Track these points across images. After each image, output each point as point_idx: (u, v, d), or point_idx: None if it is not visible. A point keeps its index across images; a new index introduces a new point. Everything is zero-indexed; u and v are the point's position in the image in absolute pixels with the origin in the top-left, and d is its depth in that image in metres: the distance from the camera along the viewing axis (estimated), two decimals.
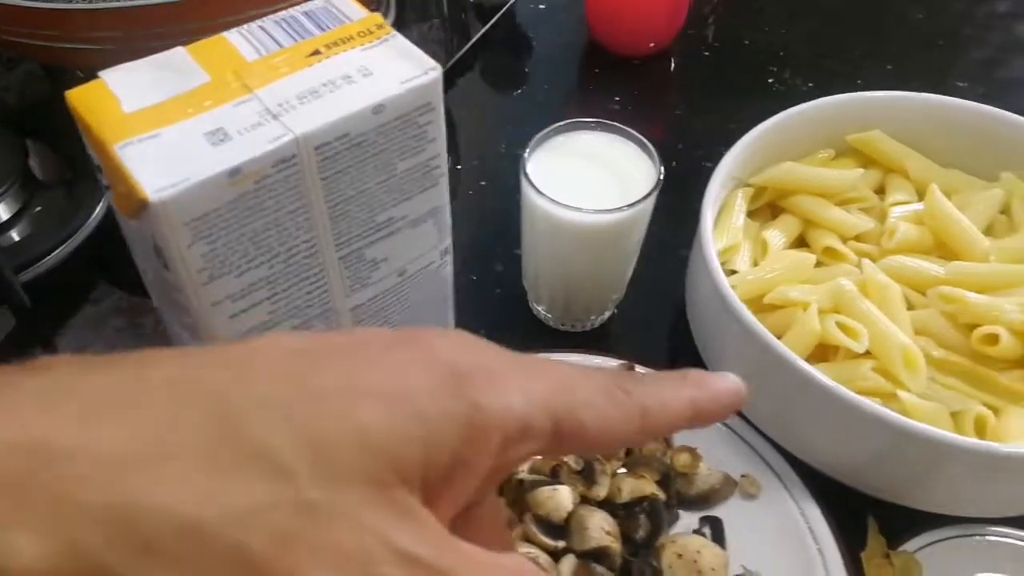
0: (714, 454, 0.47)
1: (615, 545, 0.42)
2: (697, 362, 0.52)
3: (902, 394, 0.44)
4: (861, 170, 0.56)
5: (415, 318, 0.45)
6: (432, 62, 0.36)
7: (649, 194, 0.47)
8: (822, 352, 0.48)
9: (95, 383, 0.17)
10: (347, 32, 0.37)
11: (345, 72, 0.35)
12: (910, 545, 0.44)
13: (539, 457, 0.46)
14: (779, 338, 0.48)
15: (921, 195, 0.55)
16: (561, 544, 0.43)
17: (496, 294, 0.59)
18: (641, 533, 0.43)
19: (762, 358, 0.44)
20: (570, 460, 0.46)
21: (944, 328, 0.47)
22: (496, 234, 0.62)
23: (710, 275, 0.47)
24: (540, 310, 0.56)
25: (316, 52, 0.36)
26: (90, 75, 0.34)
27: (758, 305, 0.50)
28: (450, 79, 0.76)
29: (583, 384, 0.20)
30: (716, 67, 0.79)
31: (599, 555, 0.42)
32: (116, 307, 0.57)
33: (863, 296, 0.47)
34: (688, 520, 0.46)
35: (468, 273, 0.61)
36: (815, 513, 0.44)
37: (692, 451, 0.47)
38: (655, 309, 0.59)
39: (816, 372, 0.42)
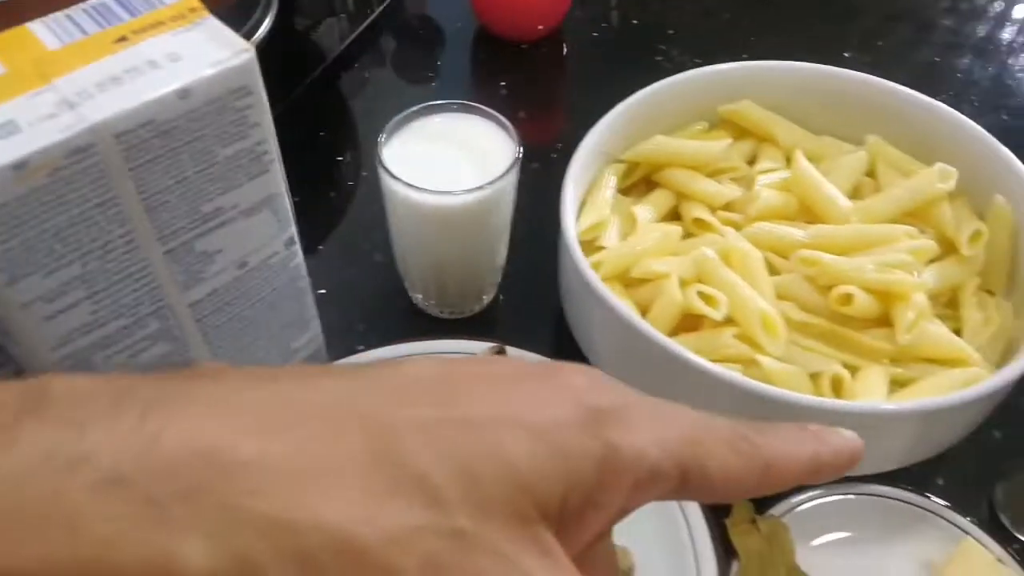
0: None
1: None
2: (576, 345, 0.52)
3: (761, 359, 0.44)
4: (728, 140, 0.56)
5: (270, 312, 0.44)
6: (244, 44, 0.35)
7: (506, 172, 0.47)
8: (692, 323, 0.48)
9: (263, 397, 0.18)
10: (158, 17, 0.36)
11: (150, 58, 0.34)
12: (776, 509, 0.44)
13: None
14: (647, 312, 0.48)
15: (790, 162, 0.55)
16: None
17: (375, 285, 0.58)
18: None
19: (624, 333, 0.44)
20: None
21: (806, 291, 0.47)
22: (375, 224, 0.61)
23: (569, 252, 0.46)
24: (418, 298, 0.55)
25: (122, 39, 0.35)
26: None
27: (627, 280, 0.50)
28: (340, 67, 0.74)
29: (710, 433, 0.20)
30: (605, 47, 0.79)
31: None
32: None
33: (725, 264, 0.47)
34: None
35: (347, 265, 0.60)
36: None
37: None
38: (539, 292, 0.58)
39: (670, 343, 0.42)
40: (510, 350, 0.49)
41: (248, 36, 0.70)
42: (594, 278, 0.45)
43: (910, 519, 0.45)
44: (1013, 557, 0.45)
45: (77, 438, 0.16)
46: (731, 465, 0.20)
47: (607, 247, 0.51)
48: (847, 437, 0.23)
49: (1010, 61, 0.78)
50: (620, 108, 0.54)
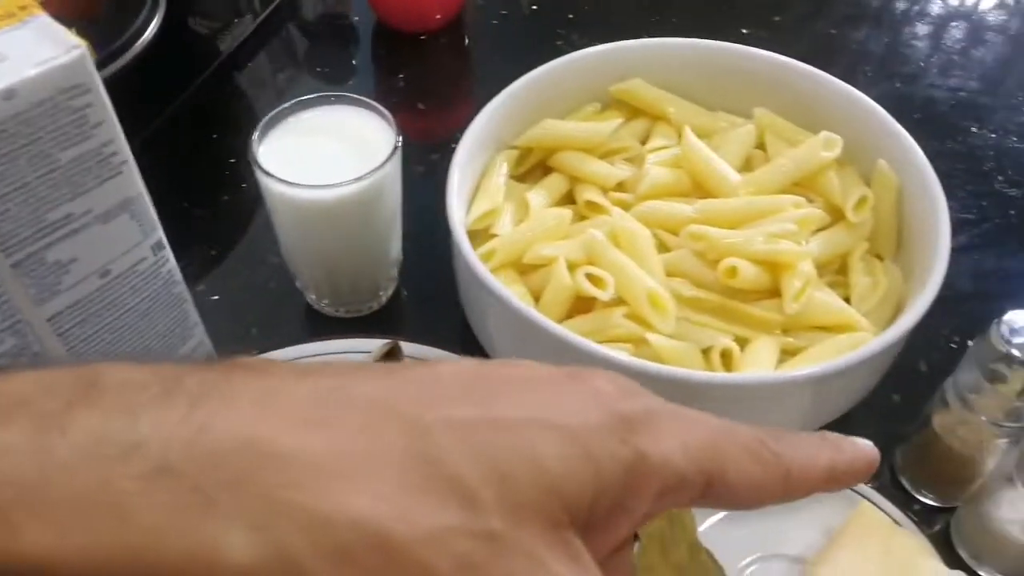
0: None
1: None
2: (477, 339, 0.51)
3: (651, 336, 0.44)
4: (619, 120, 0.55)
5: (142, 321, 0.42)
6: (76, 40, 0.33)
7: (385, 162, 0.46)
8: (587, 305, 0.48)
9: (305, 392, 0.18)
10: None
11: None
12: None
13: None
14: (540, 297, 0.48)
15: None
16: None
17: (271, 287, 0.57)
18: None
19: (514, 321, 0.43)
20: None
21: (695, 266, 0.47)
22: (270, 225, 0.60)
23: (455, 242, 0.45)
24: (312, 298, 0.54)
25: None
26: None
27: (522, 267, 0.50)
28: (234, 66, 0.72)
29: (733, 441, 0.21)
30: (506, 35, 0.78)
31: None
32: None
33: (614, 245, 0.47)
34: None
35: (242, 268, 0.58)
36: None
37: None
38: (442, 285, 0.57)
39: (556, 327, 0.42)
40: (405, 347, 0.48)
41: (136, 36, 0.68)
42: (480, 267, 0.44)
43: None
44: (911, 519, 0.45)
45: (129, 427, 0.16)
46: (753, 473, 0.21)
47: (500, 235, 0.50)
48: (861, 446, 0.23)
49: (905, 30, 0.80)
50: (506, 93, 0.53)
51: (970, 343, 0.44)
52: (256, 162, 0.45)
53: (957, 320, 0.56)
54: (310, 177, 0.45)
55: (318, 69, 0.74)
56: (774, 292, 0.47)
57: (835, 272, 0.50)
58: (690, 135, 0.52)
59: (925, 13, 0.81)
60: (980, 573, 0.44)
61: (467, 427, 0.17)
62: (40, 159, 0.34)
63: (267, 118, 0.47)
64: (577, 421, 0.18)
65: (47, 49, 0.33)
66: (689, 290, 0.46)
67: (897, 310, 0.48)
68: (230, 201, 0.62)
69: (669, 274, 0.47)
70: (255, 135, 0.46)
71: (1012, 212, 0.64)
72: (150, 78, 0.69)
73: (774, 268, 0.46)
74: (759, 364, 0.43)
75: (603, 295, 0.45)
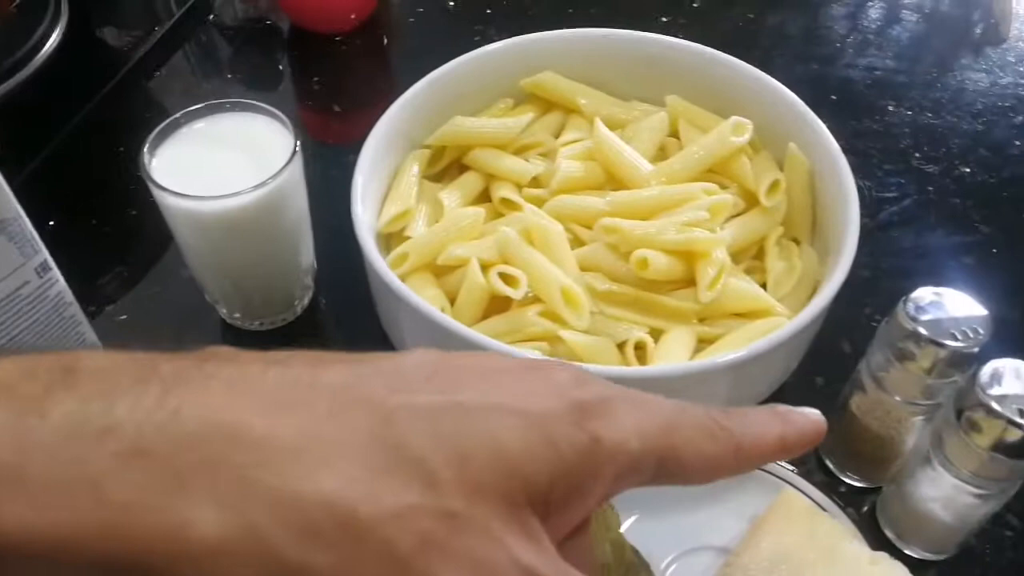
0: None
1: None
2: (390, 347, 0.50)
3: (564, 333, 0.43)
4: (530, 115, 0.54)
5: (35, 345, 0.40)
6: None
7: (284, 168, 0.44)
8: (504, 304, 0.47)
9: (275, 378, 0.18)
10: None
11: None
12: None
13: None
14: (456, 299, 0.47)
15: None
16: None
17: (182, 303, 0.55)
18: None
19: (426, 325, 0.42)
20: None
21: (610, 260, 0.46)
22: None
23: (361, 247, 0.44)
24: (224, 313, 0.52)
25: None
26: None
27: (437, 269, 0.48)
28: (141, 75, 0.70)
29: (685, 421, 0.21)
30: (422, 33, 0.77)
31: None
32: None
33: (527, 241, 0.46)
34: None
35: (151, 285, 0.56)
36: None
37: None
38: (362, 293, 0.55)
39: (466, 330, 0.41)
40: None
41: (37, 47, 0.66)
42: (387, 272, 0.43)
43: (732, 477, 0.45)
44: (836, 502, 0.45)
45: (105, 410, 0.17)
46: (705, 449, 0.21)
47: (413, 237, 0.49)
48: (809, 415, 0.24)
49: (822, 12, 0.80)
50: (412, 92, 0.52)
51: None
52: (148, 176, 0.44)
53: (878, 299, 0.56)
54: (208, 188, 0.43)
55: (229, 76, 0.72)
56: (690, 281, 0.46)
57: (752, 258, 0.50)
58: (601, 127, 0.51)
59: None
60: (906, 552, 0.44)
61: (430, 412, 0.18)
62: None
63: (158, 129, 0.45)
64: (536, 408, 0.19)
65: None
66: (603, 284, 0.46)
67: (814, 293, 0.48)
68: (139, 215, 0.60)
69: (584, 268, 0.46)
70: (145, 148, 0.45)
71: (930, 188, 0.64)
72: (53, 90, 0.66)
73: (688, 257, 0.46)
74: (673, 355, 0.42)
75: (516, 294, 0.44)
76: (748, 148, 0.52)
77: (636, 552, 0.42)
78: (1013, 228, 0.61)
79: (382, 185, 0.51)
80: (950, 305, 0.39)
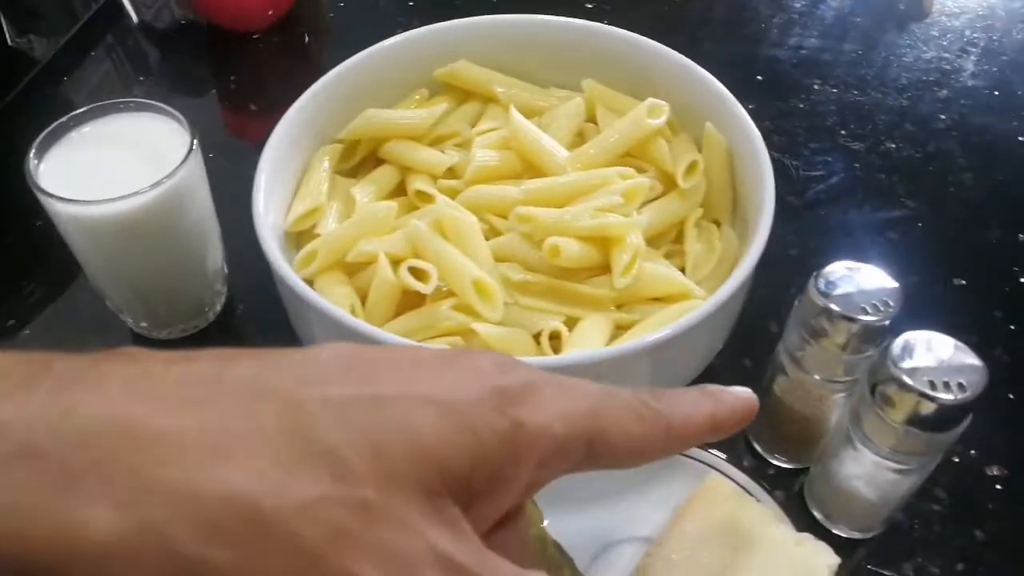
0: None
1: None
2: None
3: (477, 326, 0.42)
4: (443, 105, 0.53)
5: None
6: None
7: (178, 169, 0.42)
8: (420, 300, 0.45)
9: (178, 375, 0.18)
10: None
11: None
12: None
13: None
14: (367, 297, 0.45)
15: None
16: None
17: (89, 314, 0.52)
18: None
19: (333, 327, 0.41)
20: None
21: (525, 249, 0.45)
22: None
23: (262, 246, 0.42)
24: (130, 322, 0.50)
25: None
26: None
27: (349, 267, 0.47)
28: (51, 79, 0.67)
29: (612, 403, 0.21)
30: (342, 27, 0.75)
31: None
32: None
33: (439, 234, 0.45)
34: None
35: (55, 297, 0.54)
36: None
37: None
38: (278, 297, 0.54)
39: (373, 329, 0.39)
40: None
41: None
42: (289, 273, 0.42)
43: (657, 465, 0.44)
44: (763, 486, 0.44)
45: None
46: (634, 431, 0.21)
47: (323, 235, 0.48)
48: (739, 393, 0.24)
49: None
50: (319, 85, 0.50)
51: None
52: (33, 182, 0.41)
53: (805, 278, 0.55)
54: (101, 192, 0.41)
55: (140, 78, 0.70)
56: (607, 268, 0.45)
57: (672, 242, 0.49)
58: (516, 114, 0.50)
59: None
60: (834, 532, 0.44)
61: (342, 404, 0.18)
62: None
63: (44, 134, 0.43)
64: (455, 395, 0.19)
65: None
66: (518, 274, 0.44)
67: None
68: (44, 225, 0.57)
69: (499, 259, 0.45)
70: (31, 153, 0.42)
71: (857, 165, 0.64)
72: None
73: (603, 243, 0.45)
74: (587, 342, 0.41)
75: (425, 288, 0.42)
76: (667, 131, 0.51)
77: (559, 547, 0.41)
78: (938, 202, 0.61)
79: (291, 182, 0.50)
80: (861, 279, 0.38)
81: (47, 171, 0.43)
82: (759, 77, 0.70)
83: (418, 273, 0.43)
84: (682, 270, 0.47)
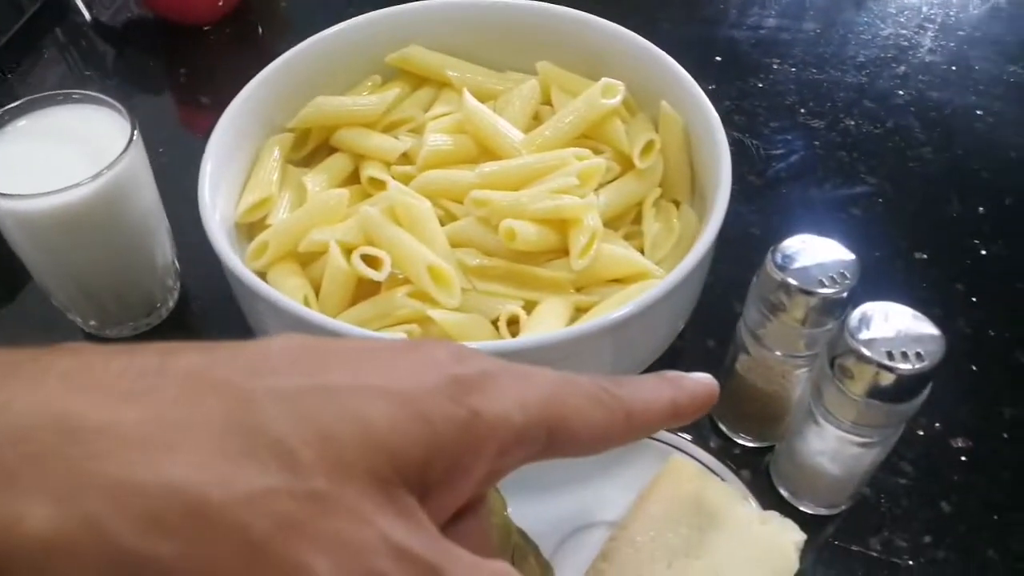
0: None
1: None
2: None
3: (433, 313, 0.41)
4: (395, 90, 0.52)
5: None
6: None
7: (118, 160, 0.41)
8: (376, 288, 0.44)
9: (119, 367, 0.17)
10: None
11: None
12: None
13: None
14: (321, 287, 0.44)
15: None
16: None
17: (37, 315, 0.51)
18: None
19: (287, 319, 0.39)
20: None
21: (481, 234, 0.44)
22: None
23: (209, 238, 0.41)
24: (79, 320, 0.49)
25: None
26: None
27: (302, 257, 0.46)
28: None
29: (572, 390, 0.21)
30: (294, 17, 0.74)
31: None
32: None
33: (393, 220, 0.44)
34: None
35: (2, 298, 0.52)
36: None
37: None
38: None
39: (326, 320, 0.38)
40: None
41: None
42: (238, 265, 0.41)
43: (622, 449, 0.43)
44: (729, 465, 0.44)
45: None
46: (595, 418, 0.21)
47: (273, 225, 0.46)
48: (700, 379, 0.24)
49: None
50: (266, 72, 0.49)
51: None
52: None
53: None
54: (39, 185, 0.40)
55: (87, 72, 0.68)
56: (565, 251, 0.45)
57: (632, 223, 0.49)
58: (469, 97, 0.49)
59: None
60: (801, 509, 0.44)
61: (292, 394, 0.17)
62: None
63: None
64: (409, 385, 0.19)
65: None
66: (475, 259, 0.44)
67: None
68: None
69: (455, 244, 0.44)
70: None
71: (817, 143, 0.64)
72: None
73: (560, 226, 0.44)
74: (545, 325, 0.40)
75: (378, 276, 0.42)
76: (623, 111, 0.51)
77: (523, 534, 0.40)
78: (897, 176, 0.61)
79: (241, 174, 0.49)
80: (818, 252, 0.38)
81: None
82: (718, 58, 0.70)
83: (372, 261, 0.43)
84: (641, 251, 0.46)
